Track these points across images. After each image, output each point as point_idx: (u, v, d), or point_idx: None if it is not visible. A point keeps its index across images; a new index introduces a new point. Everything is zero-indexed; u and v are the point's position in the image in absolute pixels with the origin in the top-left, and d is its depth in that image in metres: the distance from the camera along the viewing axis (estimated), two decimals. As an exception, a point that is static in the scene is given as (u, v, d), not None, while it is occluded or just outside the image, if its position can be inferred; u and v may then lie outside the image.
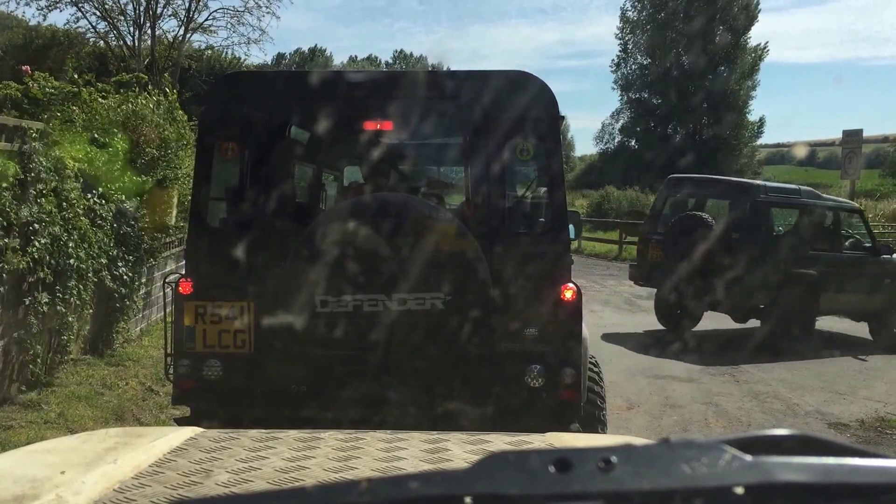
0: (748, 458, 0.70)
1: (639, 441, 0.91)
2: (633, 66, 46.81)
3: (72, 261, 6.00)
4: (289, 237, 3.58)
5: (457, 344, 3.48)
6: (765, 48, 44.78)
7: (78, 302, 6.20)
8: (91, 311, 6.61)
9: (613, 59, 47.86)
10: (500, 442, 1.65)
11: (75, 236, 6.13)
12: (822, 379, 7.87)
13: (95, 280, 6.53)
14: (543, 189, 3.97)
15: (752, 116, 45.85)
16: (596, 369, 4.40)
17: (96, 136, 7.49)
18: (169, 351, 3.92)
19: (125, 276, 7.10)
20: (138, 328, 8.06)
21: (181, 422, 3.71)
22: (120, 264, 7.01)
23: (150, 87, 10.67)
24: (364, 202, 3.62)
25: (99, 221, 6.77)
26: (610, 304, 12.48)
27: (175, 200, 8.36)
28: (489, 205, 3.72)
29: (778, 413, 6.47)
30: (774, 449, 0.75)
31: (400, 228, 3.41)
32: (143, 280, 7.97)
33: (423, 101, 3.78)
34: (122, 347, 7.40)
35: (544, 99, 3.73)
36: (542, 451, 0.73)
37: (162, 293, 9.07)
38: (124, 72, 12.32)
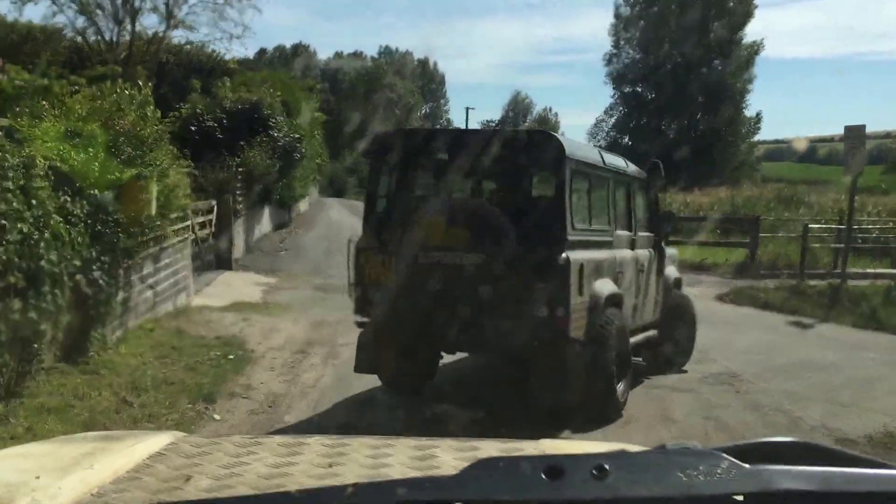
0: (746, 466, 0.70)
1: (634, 448, 0.88)
2: (626, 60, 46.56)
3: (43, 262, 5.61)
4: (411, 222, 6.02)
5: (491, 283, 5.71)
6: (760, 42, 44.78)
7: (52, 308, 5.82)
8: (66, 317, 6.23)
9: (605, 53, 47.72)
10: (490, 448, 1.61)
11: (47, 235, 5.74)
12: (824, 389, 7.60)
13: (71, 285, 6.15)
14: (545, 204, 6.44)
15: (750, 112, 45.78)
16: (609, 326, 5.99)
17: (72, 130, 7.10)
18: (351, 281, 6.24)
19: (101, 280, 6.69)
20: (115, 335, 7.66)
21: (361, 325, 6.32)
22: (94, 267, 6.61)
23: (123, 80, 10.26)
24: (450, 201, 6.44)
25: (73, 220, 6.38)
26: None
27: (154, 194, 7.98)
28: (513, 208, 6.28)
29: (782, 427, 6.15)
30: (773, 457, 0.75)
31: (468, 216, 5.92)
32: (121, 284, 7.57)
33: (488, 150, 6.07)
34: (98, 355, 7.00)
35: (554, 149, 5.90)
36: (533, 457, 0.78)
37: (144, 297, 8.71)
38: (100, 66, 11.90)
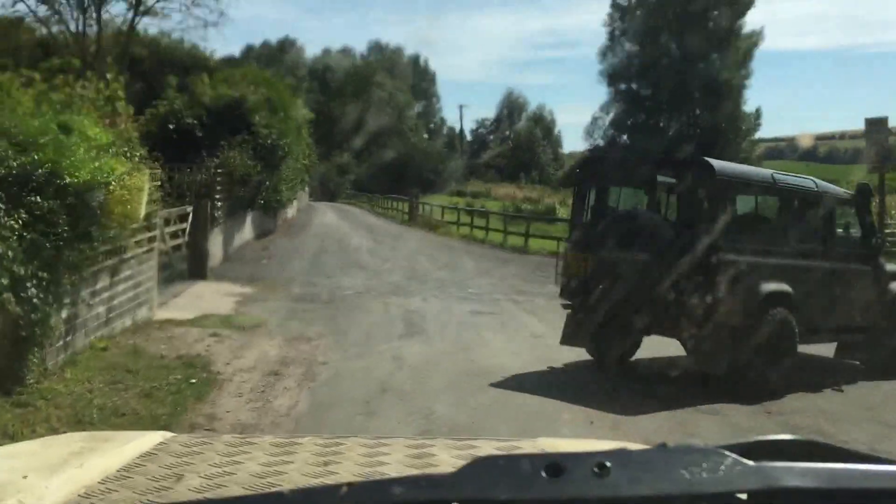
0: (750, 463, 0.69)
1: (635, 446, 0.85)
2: (622, 55, 45.68)
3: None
4: (602, 227, 7.61)
5: (648, 280, 7.01)
6: (760, 33, 43.97)
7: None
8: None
9: (600, 48, 46.68)
10: (488, 447, 1.59)
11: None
12: (865, 408, 6.87)
13: None
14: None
15: (748, 107, 44.88)
16: (765, 317, 6.92)
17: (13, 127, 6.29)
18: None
19: (36, 299, 5.87)
20: (60, 358, 6.83)
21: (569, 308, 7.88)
22: (29, 285, 5.79)
23: (88, 73, 9.44)
24: (628, 213, 7.99)
25: (3, 233, 5.57)
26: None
27: (145, 193, 7.21)
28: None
29: None
30: (777, 454, 0.75)
31: (640, 224, 7.41)
32: (66, 301, 6.75)
33: (661, 172, 8.00)
34: (38, 383, 6.19)
35: (708, 171, 7.15)
36: (532, 455, 0.73)
37: (95, 313, 7.89)
38: (70, 58, 11.07)
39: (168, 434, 1.65)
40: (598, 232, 7.60)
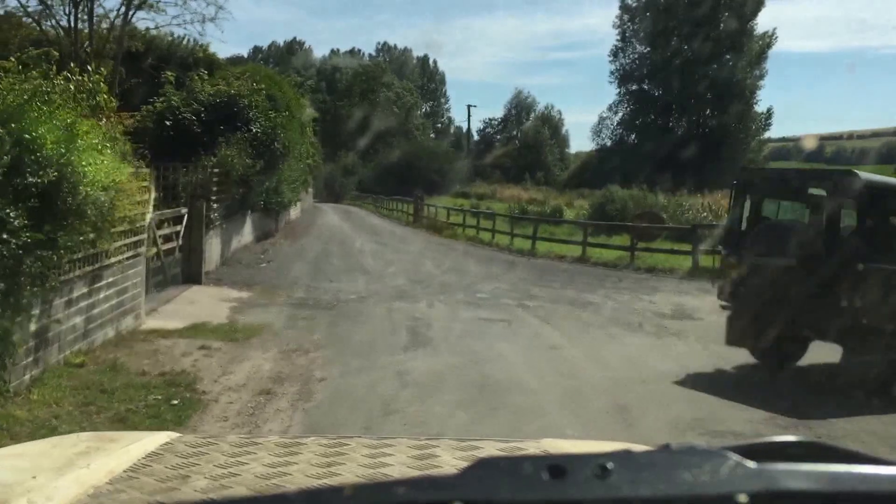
0: (752, 464, 0.70)
1: (638, 447, 0.85)
2: (633, 56, 45.25)
3: None
4: (758, 234, 8.15)
5: (800, 286, 7.41)
6: (773, 35, 43.19)
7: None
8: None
9: (611, 49, 46.13)
10: (491, 448, 1.59)
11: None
12: None
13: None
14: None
15: (759, 107, 44.08)
16: None
17: None
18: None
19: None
20: (27, 377, 6.15)
21: None
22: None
23: (72, 65, 8.76)
24: (782, 221, 8.84)
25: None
26: (630, 325, 10.58)
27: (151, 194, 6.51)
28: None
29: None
30: (780, 456, 0.75)
31: (791, 233, 7.91)
32: (35, 311, 6.07)
33: (811, 184, 8.76)
34: (1, 407, 5.51)
35: (855, 183, 7.45)
36: (535, 457, 0.80)
37: (71, 325, 7.21)
38: (49, 49, 10.42)
39: (174, 434, 1.66)
40: (754, 239, 8.12)
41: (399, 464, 1.47)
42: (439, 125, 72.24)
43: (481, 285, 14.20)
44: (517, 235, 22.65)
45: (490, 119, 67.91)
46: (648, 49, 43.99)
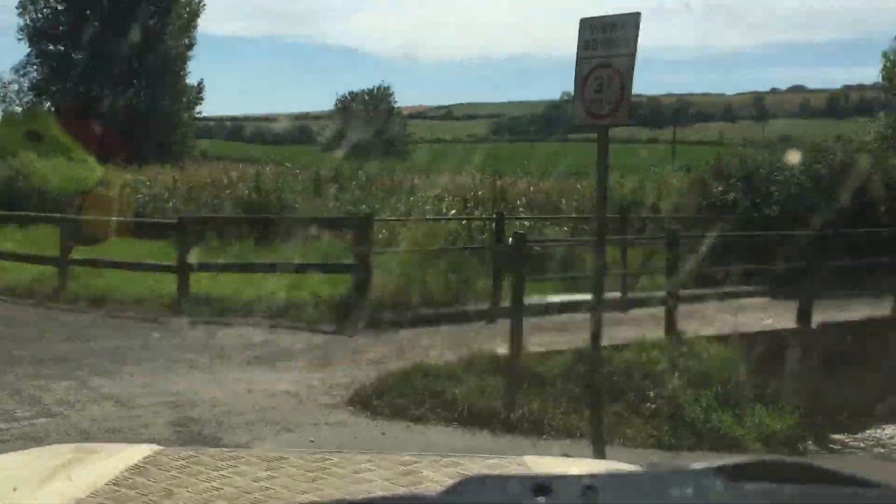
0: (740, 486, 0.69)
1: (625, 467, 0.89)
2: (46, 11, 39.20)
3: None
4: None
5: None
6: (200, 3, 40.17)
7: None
8: None
9: (19, 1, 39.10)
10: (476, 465, 1.60)
11: None
12: None
13: None
14: None
15: (191, 80, 41.08)
16: None
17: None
18: None
19: None
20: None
21: None
22: None
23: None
24: None
25: None
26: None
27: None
28: None
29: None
30: (770, 477, 0.73)
31: None
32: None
33: None
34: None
35: None
36: (520, 476, 0.74)
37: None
38: None
39: (156, 447, 1.64)
40: None
41: (383, 480, 1.48)
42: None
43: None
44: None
45: None
46: (64, 5, 38.43)
